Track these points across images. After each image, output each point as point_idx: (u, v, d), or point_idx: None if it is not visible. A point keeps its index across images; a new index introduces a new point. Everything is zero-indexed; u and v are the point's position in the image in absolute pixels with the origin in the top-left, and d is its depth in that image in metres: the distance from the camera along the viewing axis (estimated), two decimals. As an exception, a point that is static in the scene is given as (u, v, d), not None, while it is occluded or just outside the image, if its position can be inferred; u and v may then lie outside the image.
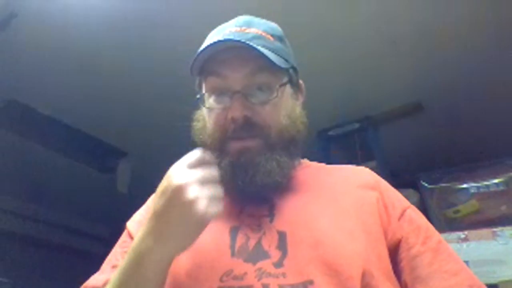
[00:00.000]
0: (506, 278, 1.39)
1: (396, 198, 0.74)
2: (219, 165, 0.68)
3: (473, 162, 1.88)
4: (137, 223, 0.76)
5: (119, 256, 0.73)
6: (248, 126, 0.68)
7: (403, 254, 0.66)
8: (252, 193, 0.68)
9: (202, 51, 0.69)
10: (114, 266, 0.71)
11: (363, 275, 0.59)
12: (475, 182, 1.82)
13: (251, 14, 0.78)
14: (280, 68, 0.69)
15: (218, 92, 0.71)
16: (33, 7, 1.50)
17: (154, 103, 1.96)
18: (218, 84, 0.71)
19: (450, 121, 2.04)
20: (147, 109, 2.02)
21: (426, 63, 1.76)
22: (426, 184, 1.95)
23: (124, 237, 0.77)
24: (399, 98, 1.97)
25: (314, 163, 0.82)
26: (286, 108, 0.72)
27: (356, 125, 2.10)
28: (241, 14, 0.78)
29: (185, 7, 1.50)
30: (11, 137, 2.13)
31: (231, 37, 0.69)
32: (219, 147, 0.69)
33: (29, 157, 2.34)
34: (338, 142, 2.15)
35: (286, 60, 0.73)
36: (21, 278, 2.54)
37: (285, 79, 0.73)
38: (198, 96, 0.74)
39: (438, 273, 0.64)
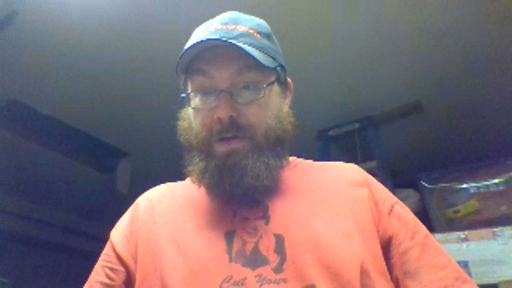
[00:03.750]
0: (506, 278, 1.39)
1: (385, 194, 0.74)
2: (205, 168, 0.67)
3: (473, 162, 1.88)
4: (122, 235, 0.74)
5: (101, 271, 0.71)
6: (234, 127, 0.66)
7: (394, 251, 0.67)
8: (241, 195, 0.67)
9: (187, 49, 0.67)
10: (97, 282, 0.70)
11: (361, 276, 0.60)
12: (475, 182, 1.82)
13: (250, 13, 0.77)
14: (267, 67, 0.67)
15: (204, 92, 0.69)
16: (34, 6, 1.50)
17: (154, 103, 1.96)
18: (204, 83, 0.69)
19: (450, 121, 2.05)
20: (147, 109, 2.02)
21: (426, 63, 1.76)
22: (426, 184, 1.95)
23: (107, 249, 0.75)
24: (399, 98, 1.97)
25: (302, 161, 0.81)
26: (273, 108, 0.70)
27: (356, 125, 2.10)
28: (241, 12, 0.77)
29: (186, 7, 1.50)
30: (11, 137, 2.13)
31: (216, 35, 0.68)
32: (205, 149, 0.68)
33: (29, 157, 2.34)
34: (338, 142, 2.15)
35: (274, 58, 0.71)
36: (21, 278, 2.54)
37: (273, 78, 0.71)
38: (183, 95, 0.73)
39: (426, 268, 0.65)
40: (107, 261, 0.72)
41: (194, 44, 0.66)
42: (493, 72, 1.78)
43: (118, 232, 0.75)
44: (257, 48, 0.68)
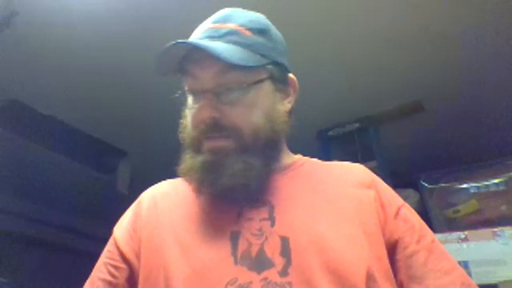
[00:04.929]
0: (506, 278, 1.39)
1: (391, 196, 0.73)
2: (191, 165, 0.68)
3: (473, 162, 1.88)
4: (125, 231, 0.74)
5: (103, 268, 0.71)
6: (217, 127, 0.67)
7: (399, 255, 0.67)
8: (219, 194, 0.67)
9: (162, 53, 0.68)
10: (100, 279, 0.70)
11: (367, 280, 0.59)
12: (475, 182, 1.81)
13: (250, 10, 0.77)
14: (247, 67, 0.66)
15: (194, 92, 0.70)
16: (34, 6, 1.50)
17: (154, 103, 1.96)
18: (193, 84, 0.70)
19: (450, 121, 2.04)
20: (147, 109, 2.02)
21: (426, 63, 1.76)
22: (426, 184, 1.95)
23: (110, 245, 0.75)
24: (399, 98, 1.97)
25: (309, 160, 0.80)
26: (263, 107, 0.69)
27: (356, 125, 2.10)
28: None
29: (187, 7, 1.50)
30: (11, 137, 2.13)
31: (205, 34, 0.69)
32: (195, 147, 0.69)
33: (29, 157, 2.34)
34: (338, 142, 2.15)
35: (264, 56, 0.69)
36: (21, 278, 2.54)
37: (262, 76, 0.70)
38: (177, 95, 0.74)
39: (432, 272, 0.65)
40: (110, 258, 0.72)
41: (167, 47, 0.67)
42: (493, 72, 1.78)
43: (121, 229, 0.75)
44: (242, 46, 0.68)
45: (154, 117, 2.02)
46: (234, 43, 0.68)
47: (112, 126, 2.18)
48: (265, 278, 0.59)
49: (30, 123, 2.06)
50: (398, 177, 2.05)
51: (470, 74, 1.79)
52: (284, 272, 0.60)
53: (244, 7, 0.76)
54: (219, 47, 0.66)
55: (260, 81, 0.69)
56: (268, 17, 0.78)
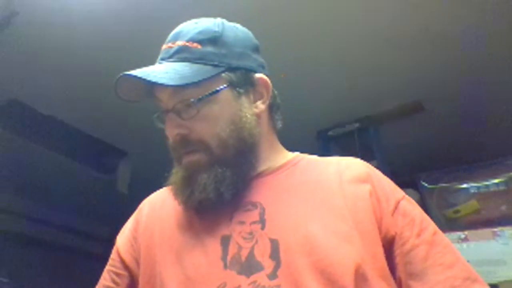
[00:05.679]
0: (506, 278, 1.39)
1: (390, 189, 0.71)
2: (174, 179, 0.70)
3: (473, 162, 1.88)
4: (126, 239, 0.76)
5: (107, 276, 0.74)
6: (186, 143, 0.68)
7: (397, 251, 0.65)
8: (195, 208, 0.68)
9: (115, 86, 0.70)
10: (104, 286, 0.73)
11: (356, 280, 0.58)
12: (475, 182, 1.82)
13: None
14: (192, 82, 0.65)
15: (163, 112, 0.72)
16: (34, 6, 1.50)
17: (154, 103, 1.96)
18: (161, 105, 0.72)
19: (450, 121, 2.05)
20: (147, 109, 2.02)
21: (426, 63, 1.76)
22: (426, 184, 1.95)
23: (113, 254, 0.77)
24: (399, 98, 1.97)
25: (305, 158, 0.78)
26: (225, 117, 0.68)
27: (356, 125, 2.10)
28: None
29: (187, 8, 1.50)
30: (11, 137, 2.13)
31: (160, 56, 0.73)
32: (178, 161, 0.71)
33: (29, 157, 2.34)
34: (338, 142, 2.15)
35: (216, 65, 0.68)
36: (21, 278, 2.54)
37: (217, 86, 0.68)
38: (155, 115, 0.75)
39: (432, 267, 0.62)
40: (112, 266, 0.75)
41: (118, 77, 0.69)
42: (493, 72, 1.78)
43: (123, 237, 0.77)
44: (192, 61, 0.68)
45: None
46: (184, 59, 0.68)
47: (112, 126, 2.18)
48: (254, 282, 0.59)
49: (30, 123, 2.06)
50: (398, 177, 2.05)
51: (470, 74, 1.79)
52: (273, 275, 0.59)
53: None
54: (162, 71, 0.67)
55: (216, 91, 0.68)
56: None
